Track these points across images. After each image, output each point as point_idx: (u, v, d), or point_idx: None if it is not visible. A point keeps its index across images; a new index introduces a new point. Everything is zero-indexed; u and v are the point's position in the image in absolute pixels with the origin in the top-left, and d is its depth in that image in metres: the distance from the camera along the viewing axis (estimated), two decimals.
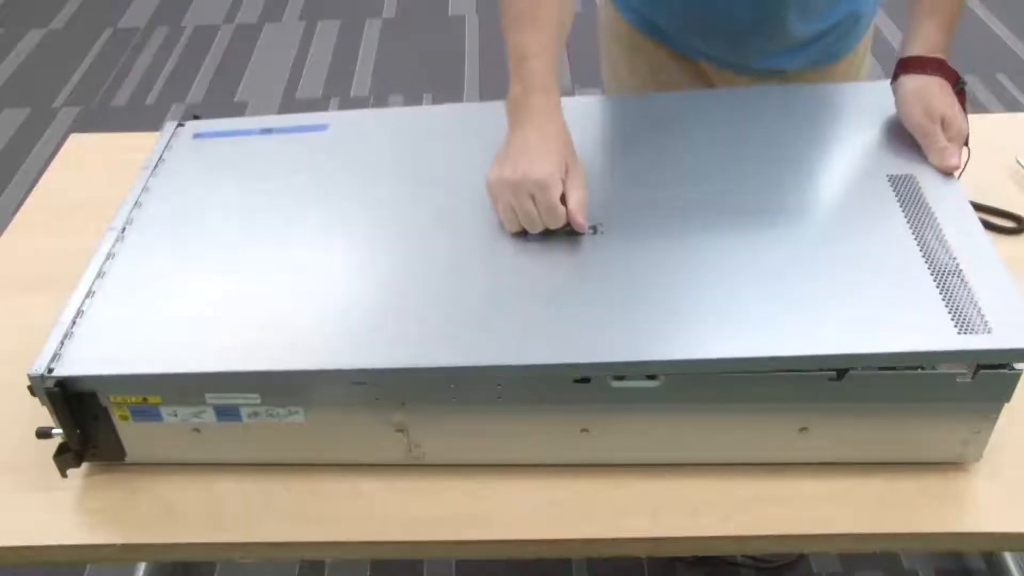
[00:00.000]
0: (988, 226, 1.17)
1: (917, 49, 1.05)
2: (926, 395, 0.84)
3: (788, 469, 0.90)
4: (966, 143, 1.02)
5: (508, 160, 0.93)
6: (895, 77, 1.07)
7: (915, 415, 0.86)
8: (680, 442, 0.89)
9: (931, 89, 1.02)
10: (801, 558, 1.61)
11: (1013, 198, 1.21)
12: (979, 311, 0.83)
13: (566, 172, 0.93)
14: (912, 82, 1.04)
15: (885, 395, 0.84)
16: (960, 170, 1.01)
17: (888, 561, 1.61)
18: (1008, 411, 0.85)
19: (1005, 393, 0.84)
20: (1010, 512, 0.86)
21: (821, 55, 1.26)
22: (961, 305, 0.83)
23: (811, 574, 1.60)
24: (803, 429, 0.87)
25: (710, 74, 1.29)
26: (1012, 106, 2.77)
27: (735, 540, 0.86)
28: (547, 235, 0.94)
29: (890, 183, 0.97)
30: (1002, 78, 2.89)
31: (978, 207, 1.20)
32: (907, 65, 1.05)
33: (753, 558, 1.60)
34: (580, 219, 0.92)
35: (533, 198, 0.91)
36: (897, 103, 1.06)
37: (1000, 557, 1.56)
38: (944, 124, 1.01)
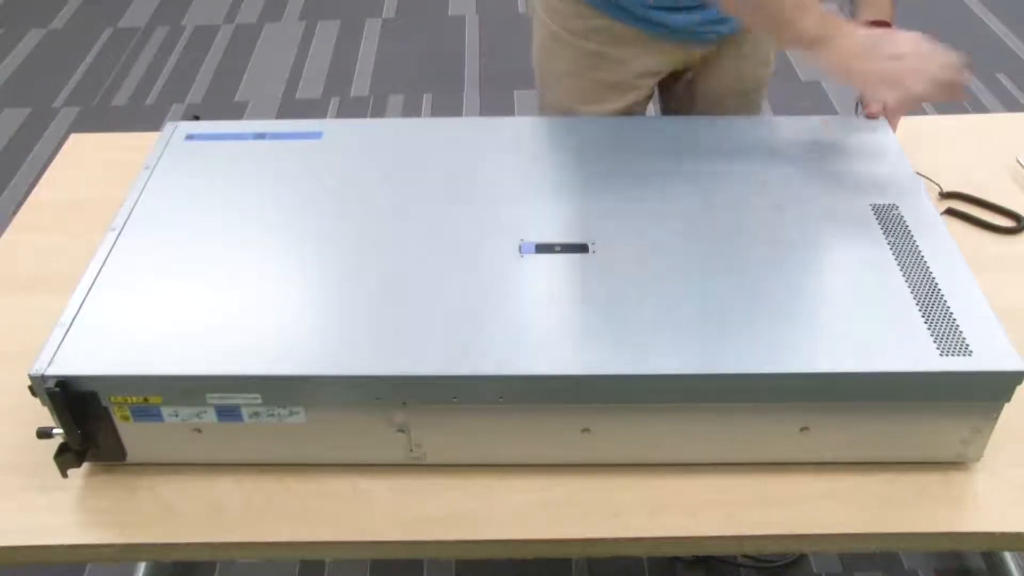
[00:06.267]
0: (988, 225, 1.18)
1: (868, 16, 1.17)
2: (926, 395, 0.85)
3: (788, 469, 0.90)
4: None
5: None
6: None
7: (915, 415, 0.86)
8: (680, 442, 0.89)
9: None
10: (801, 558, 1.61)
11: (1013, 197, 1.21)
12: (960, 334, 0.85)
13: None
14: None
15: (885, 395, 0.85)
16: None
17: (888, 561, 1.61)
18: (1008, 411, 0.85)
19: (1005, 393, 0.84)
20: (1010, 512, 0.86)
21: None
22: (943, 328, 0.86)
23: (811, 574, 1.60)
24: (803, 429, 0.87)
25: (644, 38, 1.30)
26: (1012, 106, 2.77)
27: (735, 540, 0.86)
28: (540, 249, 0.96)
29: (873, 212, 1.01)
30: (1002, 78, 2.89)
31: (978, 204, 1.21)
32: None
33: (753, 558, 1.60)
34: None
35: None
36: None
37: (1000, 557, 1.56)
38: None
